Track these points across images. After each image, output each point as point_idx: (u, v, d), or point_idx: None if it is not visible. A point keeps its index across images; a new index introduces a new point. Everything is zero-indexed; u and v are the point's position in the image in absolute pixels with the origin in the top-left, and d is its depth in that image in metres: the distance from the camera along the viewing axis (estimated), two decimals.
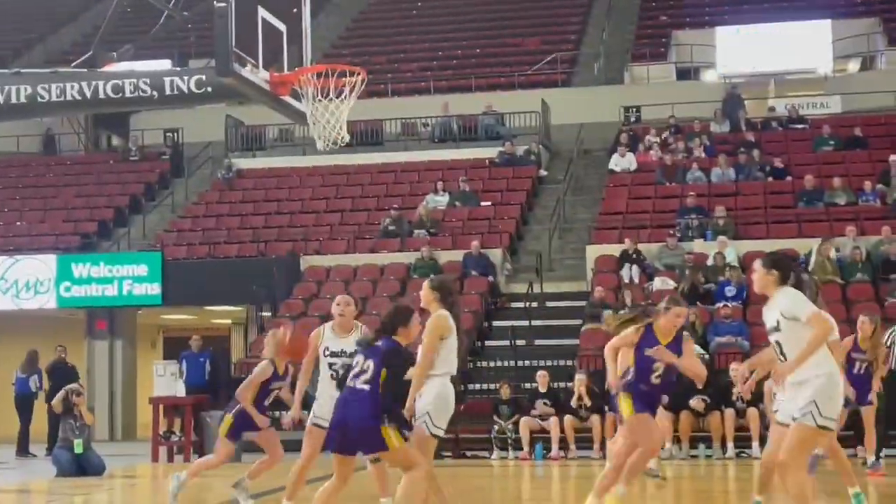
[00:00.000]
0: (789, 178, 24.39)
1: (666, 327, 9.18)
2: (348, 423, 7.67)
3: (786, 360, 7.38)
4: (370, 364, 7.71)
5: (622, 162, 25.75)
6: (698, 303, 20.08)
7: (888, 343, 13.16)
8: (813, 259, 20.59)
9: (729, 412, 17.11)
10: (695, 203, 23.33)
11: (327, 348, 9.28)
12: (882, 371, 13.35)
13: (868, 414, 13.16)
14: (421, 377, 8.09)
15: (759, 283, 7.64)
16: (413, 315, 8.01)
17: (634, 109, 28.40)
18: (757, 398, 16.42)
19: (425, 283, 8.53)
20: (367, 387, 7.67)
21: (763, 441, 16.93)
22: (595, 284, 21.32)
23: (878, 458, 13.53)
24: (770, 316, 7.51)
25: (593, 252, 22.64)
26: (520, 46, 33.09)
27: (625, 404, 9.17)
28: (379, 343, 7.84)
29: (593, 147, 27.61)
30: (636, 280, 21.40)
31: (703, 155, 25.64)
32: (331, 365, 9.29)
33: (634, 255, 21.81)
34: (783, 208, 23.51)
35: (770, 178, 24.58)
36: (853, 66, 31.68)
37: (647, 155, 25.95)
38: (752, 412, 16.91)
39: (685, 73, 31.63)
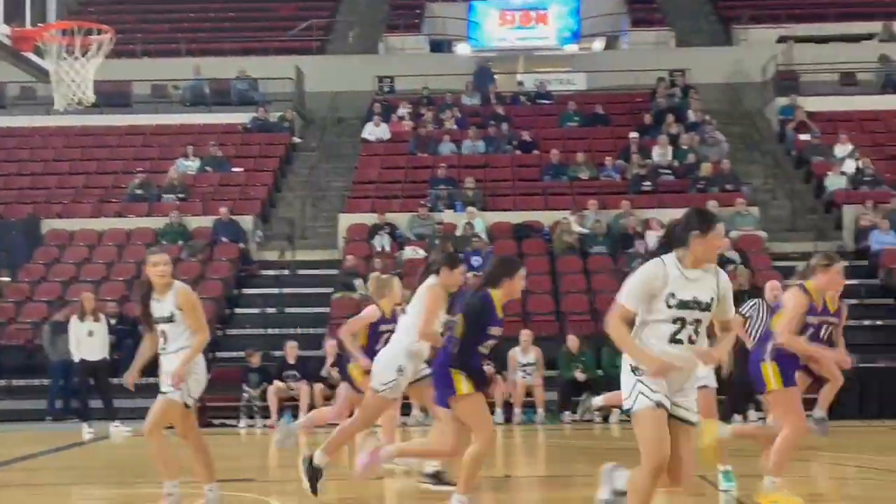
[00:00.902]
0: (536, 152, 25.11)
1: (824, 287, 8.30)
2: (433, 372, 7.87)
3: (696, 339, 6.15)
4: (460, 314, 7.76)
5: (376, 131, 25.91)
6: None
7: (747, 314, 13.54)
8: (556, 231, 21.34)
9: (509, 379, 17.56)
10: (446, 174, 23.72)
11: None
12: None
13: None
14: (201, 348, 8.07)
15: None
16: (520, 268, 7.87)
17: (388, 80, 28.58)
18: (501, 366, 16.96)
19: (164, 257, 8.21)
20: (450, 333, 7.80)
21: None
22: (347, 253, 21.44)
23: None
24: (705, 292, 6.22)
25: (346, 220, 22.73)
26: (275, 11, 32.74)
27: (773, 374, 8.16)
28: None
29: (347, 116, 27.65)
30: (388, 249, 21.62)
31: (454, 127, 26.09)
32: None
33: (386, 225, 22.02)
34: (530, 181, 24.18)
35: (518, 152, 25.24)
36: (598, 44, 32.82)
37: (400, 125, 26.20)
38: (498, 380, 17.39)
39: (438, 46, 32.02)
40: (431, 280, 8.79)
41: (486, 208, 22.79)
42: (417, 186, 23.80)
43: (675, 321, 6.05)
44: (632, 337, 6.09)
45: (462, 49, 31.99)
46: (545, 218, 22.31)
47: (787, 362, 8.17)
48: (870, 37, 29.51)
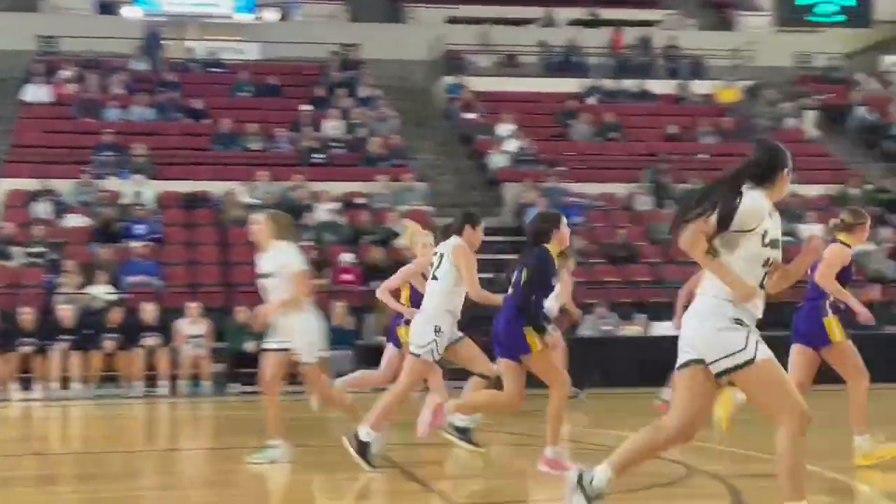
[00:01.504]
0: (207, 121, 24.78)
1: (860, 241, 8.85)
2: (498, 329, 8.13)
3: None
4: (516, 272, 8.15)
5: (37, 93, 24.83)
6: (112, 242, 19.98)
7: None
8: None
9: (138, 351, 17.24)
10: (112, 140, 23.03)
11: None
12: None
13: None
14: None
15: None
16: (562, 218, 8.25)
17: (52, 39, 27.39)
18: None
19: None
20: (512, 290, 8.15)
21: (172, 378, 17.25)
22: (5, 220, 20.52)
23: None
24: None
25: (4, 186, 21.72)
26: None
27: (836, 328, 8.61)
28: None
29: (6, 76, 26.32)
30: (49, 216, 20.83)
31: (122, 92, 25.35)
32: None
33: (47, 191, 21.21)
34: (201, 150, 23.87)
35: (188, 120, 24.84)
36: (272, 15, 32.70)
37: (64, 88, 25.21)
38: (163, 352, 17.20)
39: (107, 8, 30.98)
40: (455, 240, 8.60)
41: (154, 177, 22.31)
42: (82, 152, 22.96)
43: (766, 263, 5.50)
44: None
45: (131, 12, 31.06)
46: (215, 188, 22.10)
47: (841, 316, 8.68)
48: (532, 21, 30.94)
